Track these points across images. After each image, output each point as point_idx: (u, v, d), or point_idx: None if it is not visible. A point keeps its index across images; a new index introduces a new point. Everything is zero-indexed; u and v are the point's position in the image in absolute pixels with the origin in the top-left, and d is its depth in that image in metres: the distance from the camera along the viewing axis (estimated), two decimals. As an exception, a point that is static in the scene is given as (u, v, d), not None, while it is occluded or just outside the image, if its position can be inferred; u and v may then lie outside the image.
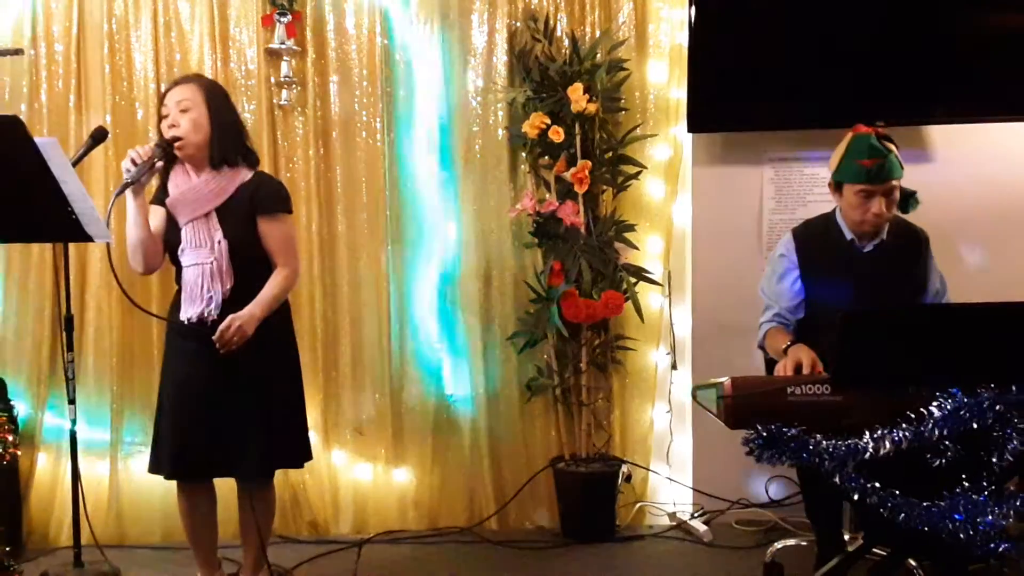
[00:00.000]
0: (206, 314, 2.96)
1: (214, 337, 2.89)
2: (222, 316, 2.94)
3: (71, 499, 3.55)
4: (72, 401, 3.51)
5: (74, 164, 3.07)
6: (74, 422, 3.53)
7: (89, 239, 3.03)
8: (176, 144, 2.96)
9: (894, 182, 3.11)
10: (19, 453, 3.80)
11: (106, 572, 3.57)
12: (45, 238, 3.66)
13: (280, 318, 3.09)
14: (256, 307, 2.96)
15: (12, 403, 3.91)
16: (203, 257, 2.96)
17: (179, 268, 3.04)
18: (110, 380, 4.02)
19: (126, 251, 3.06)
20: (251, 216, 3.01)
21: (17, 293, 4.02)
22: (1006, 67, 3.94)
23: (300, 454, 3.21)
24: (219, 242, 2.96)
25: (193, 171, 3.03)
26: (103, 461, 4.04)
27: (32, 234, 3.35)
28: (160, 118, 3.04)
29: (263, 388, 3.01)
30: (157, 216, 3.08)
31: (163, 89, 3.08)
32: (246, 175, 3.05)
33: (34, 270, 4.01)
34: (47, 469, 4.03)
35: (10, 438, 3.20)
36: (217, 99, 3.04)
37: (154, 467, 3.14)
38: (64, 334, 3.50)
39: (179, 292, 3.06)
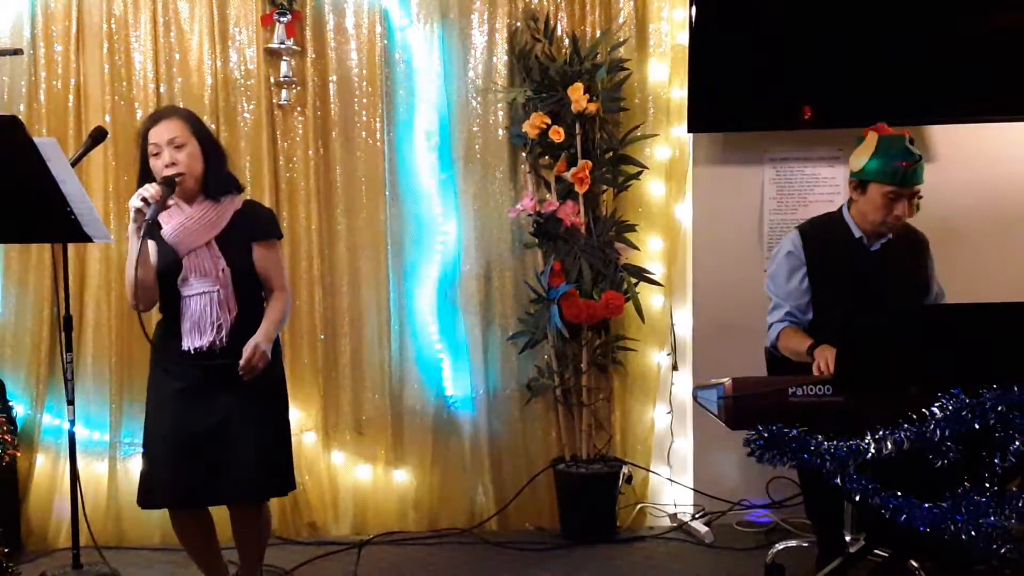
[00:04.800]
0: (217, 343, 2.93)
1: (240, 363, 2.88)
2: (227, 343, 2.93)
3: (70, 500, 3.55)
4: (71, 402, 3.51)
5: (73, 164, 3.06)
6: (72, 423, 3.53)
7: (88, 239, 3.03)
8: (179, 179, 2.93)
9: (918, 186, 3.12)
10: (18, 454, 3.78)
11: (105, 573, 3.57)
12: (44, 238, 3.65)
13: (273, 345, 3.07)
14: (269, 326, 2.97)
15: (11, 404, 3.91)
16: (209, 286, 2.94)
17: (176, 298, 2.97)
18: (109, 381, 4.02)
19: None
20: (247, 243, 3.02)
21: (16, 293, 4.02)
22: (1006, 67, 3.94)
23: (288, 481, 3.16)
24: (223, 270, 2.95)
25: (184, 203, 2.98)
26: (102, 462, 4.04)
27: (31, 234, 3.34)
28: (146, 156, 2.95)
29: (258, 416, 2.98)
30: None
31: (143, 126, 3.02)
32: (238, 203, 3.05)
33: (33, 270, 4.00)
34: (46, 470, 4.02)
35: (9, 439, 3.20)
36: (203, 130, 3.03)
37: (145, 499, 3.03)
38: (63, 334, 3.50)
39: (168, 321, 3.01)
